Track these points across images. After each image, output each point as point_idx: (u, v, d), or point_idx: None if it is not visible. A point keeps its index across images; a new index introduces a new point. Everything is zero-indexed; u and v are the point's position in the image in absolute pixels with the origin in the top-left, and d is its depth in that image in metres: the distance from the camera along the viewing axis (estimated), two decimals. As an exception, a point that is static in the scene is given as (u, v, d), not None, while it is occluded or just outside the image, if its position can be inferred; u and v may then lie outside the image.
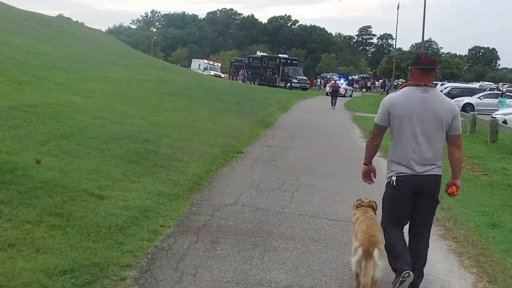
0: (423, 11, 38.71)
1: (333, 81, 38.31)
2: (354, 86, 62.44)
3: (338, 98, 31.70)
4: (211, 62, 73.89)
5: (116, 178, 7.11)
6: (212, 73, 64.77)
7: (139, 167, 8.02)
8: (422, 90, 4.24)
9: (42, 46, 24.38)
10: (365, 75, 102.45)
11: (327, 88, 39.54)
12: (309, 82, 63.04)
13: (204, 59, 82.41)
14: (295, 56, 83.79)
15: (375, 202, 4.88)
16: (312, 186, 8.63)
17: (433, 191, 4.35)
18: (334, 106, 30.23)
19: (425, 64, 4.29)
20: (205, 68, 68.32)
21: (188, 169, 8.55)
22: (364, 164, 4.67)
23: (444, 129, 4.27)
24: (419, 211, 4.38)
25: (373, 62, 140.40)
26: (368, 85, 79.54)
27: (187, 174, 8.17)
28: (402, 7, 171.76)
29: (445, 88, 44.65)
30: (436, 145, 4.28)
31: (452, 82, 65.01)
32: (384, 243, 4.27)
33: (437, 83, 52.31)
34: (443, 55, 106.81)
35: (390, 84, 77.80)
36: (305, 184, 8.69)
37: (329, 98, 32.11)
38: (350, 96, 52.22)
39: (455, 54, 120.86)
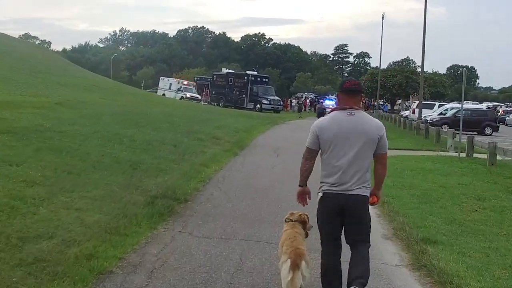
0: (423, 28, 30.61)
1: (321, 103, 38.59)
2: None
3: None
4: (185, 82, 61.58)
5: None
6: (188, 95, 55.91)
7: None
8: (348, 113, 4.42)
9: None
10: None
11: (317, 110, 38.36)
12: (282, 103, 54.50)
13: (176, 77, 72.86)
14: (269, 75, 75.54)
15: (306, 215, 5.02)
16: None
17: (357, 210, 4.43)
18: None
19: (349, 88, 4.53)
20: (178, 89, 58.42)
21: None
22: (299, 185, 4.76)
23: (370, 149, 4.44)
24: (347, 230, 4.51)
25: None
26: (348, 106, 71.57)
27: None
28: (377, 26, 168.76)
29: (450, 110, 36.63)
30: (362, 164, 4.41)
31: (441, 101, 57.84)
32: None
33: (435, 103, 44.59)
34: (426, 73, 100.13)
35: (373, 104, 70.25)
36: None
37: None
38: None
39: (437, 73, 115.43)
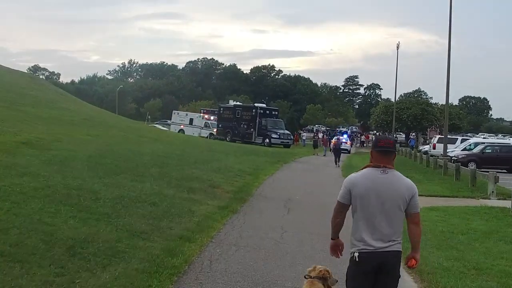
0: (447, 58, 27.65)
1: (337, 138, 37.11)
2: (356, 140, 52.38)
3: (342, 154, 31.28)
4: (212, 117, 56.08)
5: None
6: (215, 131, 52.79)
7: None
8: (382, 171, 4.42)
9: None
10: (353, 128, 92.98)
11: (332, 146, 37.20)
12: (292, 137, 51.48)
13: (182, 110, 69.63)
14: (279, 107, 72.72)
15: (327, 271, 4.86)
16: None
17: (393, 266, 4.40)
18: (338, 164, 29.70)
19: (384, 147, 4.52)
20: (205, 126, 54.91)
21: None
22: (331, 238, 4.71)
23: (402, 208, 4.39)
24: (378, 286, 4.40)
25: (360, 113, 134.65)
26: (361, 140, 68.20)
27: None
28: (386, 59, 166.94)
29: (474, 145, 33.44)
30: (395, 222, 4.38)
31: (457, 134, 54.70)
32: None
33: (457, 138, 41.42)
34: (439, 105, 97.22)
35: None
36: None
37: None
38: (348, 152, 41.90)
39: (451, 104, 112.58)
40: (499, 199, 16.45)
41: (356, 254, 4.35)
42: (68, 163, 12.75)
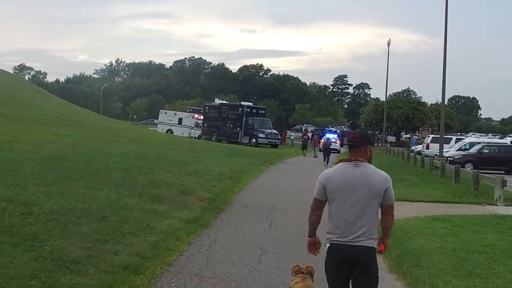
0: (443, 57, 25.96)
1: (326, 139, 37.22)
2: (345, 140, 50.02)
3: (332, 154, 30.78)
4: (202, 117, 52.80)
5: None
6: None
7: None
8: (354, 165, 4.43)
9: None
10: (343, 127, 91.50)
11: (321, 146, 36.44)
12: (280, 136, 49.62)
13: (168, 109, 67.27)
14: (267, 106, 70.71)
15: (312, 268, 4.97)
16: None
17: (365, 262, 4.33)
18: (327, 163, 28.37)
19: (349, 141, 4.62)
20: (197, 126, 52.52)
21: None
22: (308, 236, 4.72)
23: (377, 200, 4.38)
24: (354, 283, 4.38)
25: (349, 112, 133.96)
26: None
27: None
28: (375, 58, 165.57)
29: (470, 145, 31.93)
30: (369, 216, 4.35)
31: (449, 134, 53.17)
32: None
33: (452, 137, 39.83)
34: (428, 104, 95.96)
35: (378, 137, 65.52)
36: None
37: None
38: (338, 151, 40.33)
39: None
40: (507, 205, 14.79)
41: (328, 245, 4.40)
42: (14, 167, 10.88)
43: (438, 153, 28.91)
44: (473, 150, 29.85)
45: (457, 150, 31.93)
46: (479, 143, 32.51)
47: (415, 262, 7.43)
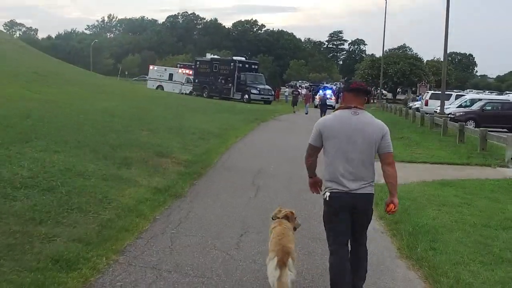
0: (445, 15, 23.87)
1: (323, 94, 37.00)
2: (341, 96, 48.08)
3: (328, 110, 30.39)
4: (190, 72, 51.65)
5: None
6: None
7: None
8: (353, 112, 4.37)
9: None
10: (338, 84, 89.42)
11: (316, 101, 37.14)
12: (273, 92, 47.87)
13: (157, 65, 65.06)
14: (261, 62, 68.48)
15: (292, 212, 4.94)
16: None
17: (365, 208, 4.43)
18: None
19: (357, 87, 4.53)
20: (187, 81, 50.90)
21: None
22: (309, 177, 4.77)
23: (373, 148, 4.36)
24: (354, 226, 4.44)
25: (344, 69, 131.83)
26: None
27: None
28: (372, 15, 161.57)
29: (471, 101, 30.52)
30: (367, 162, 4.36)
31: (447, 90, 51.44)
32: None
33: (451, 94, 38.23)
34: (424, 60, 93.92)
35: (374, 94, 63.78)
36: None
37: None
38: (333, 108, 38.75)
39: (439, 60, 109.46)
40: (519, 167, 13.47)
41: (328, 194, 4.36)
42: None
43: (437, 110, 27.42)
44: (475, 107, 28.38)
45: (457, 107, 30.49)
46: (480, 99, 31.08)
47: (430, 244, 6.03)
